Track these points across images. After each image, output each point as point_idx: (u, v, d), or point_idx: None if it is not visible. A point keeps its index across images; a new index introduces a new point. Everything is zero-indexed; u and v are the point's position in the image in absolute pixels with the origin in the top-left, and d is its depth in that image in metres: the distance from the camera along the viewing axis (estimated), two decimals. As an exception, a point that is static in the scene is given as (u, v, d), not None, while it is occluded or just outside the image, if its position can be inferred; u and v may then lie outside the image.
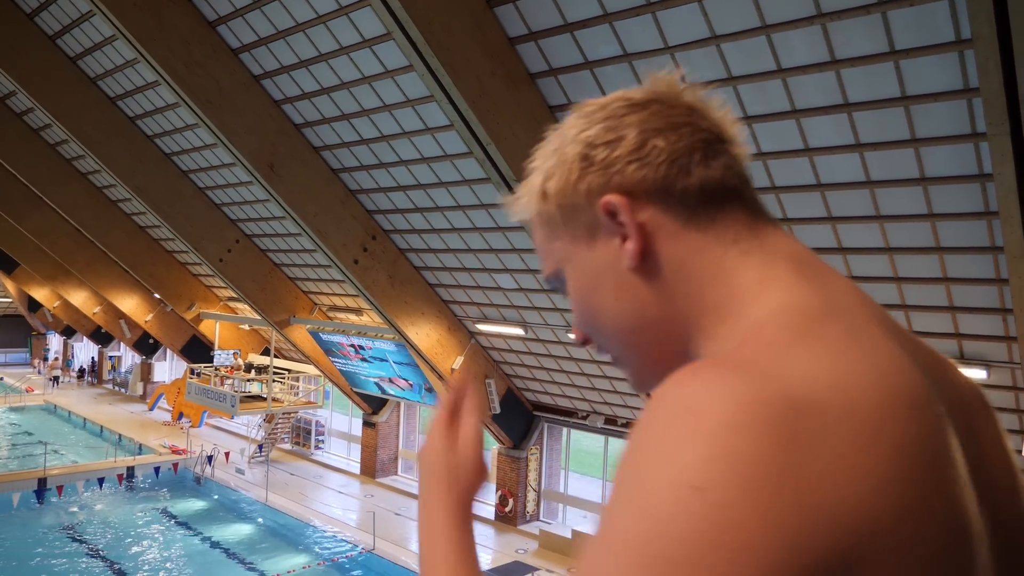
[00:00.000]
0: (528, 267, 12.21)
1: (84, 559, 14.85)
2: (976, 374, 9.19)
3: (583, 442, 18.98)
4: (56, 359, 39.94)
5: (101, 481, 18.47)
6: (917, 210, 7.89)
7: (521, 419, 16.71)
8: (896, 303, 9.12)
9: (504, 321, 13.85)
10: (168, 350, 28.71)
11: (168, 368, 31.77)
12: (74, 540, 15.93)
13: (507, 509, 16.62)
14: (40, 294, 34.05)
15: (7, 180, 21.33)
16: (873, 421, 0.58)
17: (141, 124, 15.61)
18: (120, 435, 23.82)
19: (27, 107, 17.90)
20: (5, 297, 39.30)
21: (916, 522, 0.57)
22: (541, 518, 16.99)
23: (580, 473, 18.25)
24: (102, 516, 17.59)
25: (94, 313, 30.17)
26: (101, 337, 33.90)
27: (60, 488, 17.87)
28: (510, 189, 8.87)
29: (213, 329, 23.90)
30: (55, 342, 42.61)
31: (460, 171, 11.16)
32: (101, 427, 25.59)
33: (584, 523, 16.00)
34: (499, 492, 16.94)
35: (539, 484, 17.00)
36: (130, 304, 25.80)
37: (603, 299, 0.79)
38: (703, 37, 7.41)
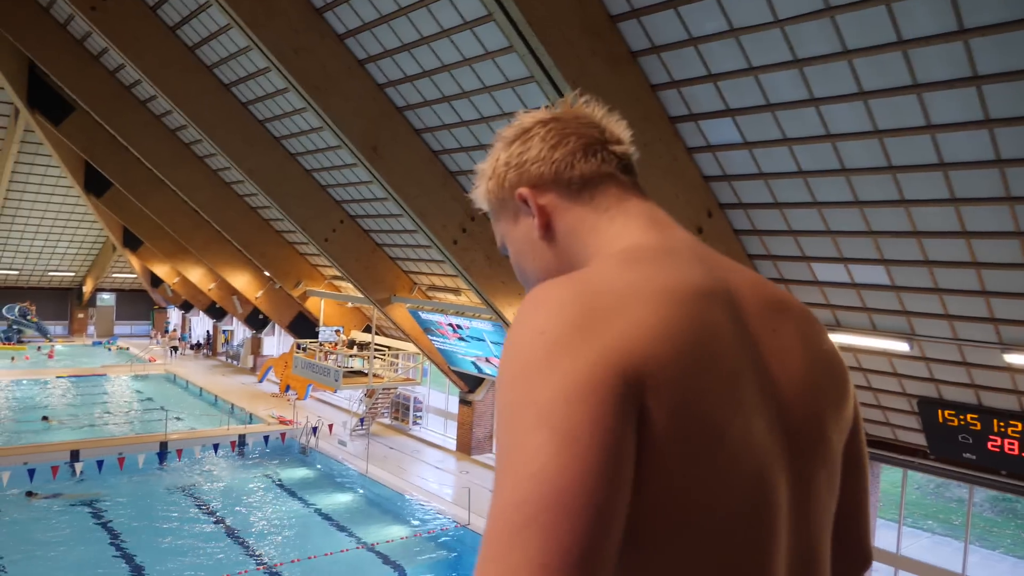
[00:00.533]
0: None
1: (199, 517, 15.77)
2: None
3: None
4: (174, 331, 42.47)
5: (216, 447, 19.54)
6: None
7: None
8: (1024, 292, 8.51)
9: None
10: (276, 325, 29.94)
11: (276, 342, 33.18)
12: (191, 499, 16.92)
13: None
14: (161, 270, 36.12)
15: (133, 163, 22.68)
16: (653, 298, 0.89)
17: (253, 109, 16.23)
18: (233, 405, 25.08)
19: (150, 95, 18.93)
20: (131, 273, 41.89)
21: (687, 361, 0.85)
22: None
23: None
24: (216, 479, 18.60)
25: (209, 289, 31.81)
26: (216, 312, 35.69)
27: (179, 451, 19.02)
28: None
29: (318, 306, 24.77)
30: (175, 316, 45.18)
31: (559, 152, 11.08)
32: (216, 396, 27.00)
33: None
34: None
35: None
36: (242, 281, 27.05)
37: (526, 260, 1.16)
38: (816, 9, 7.05)
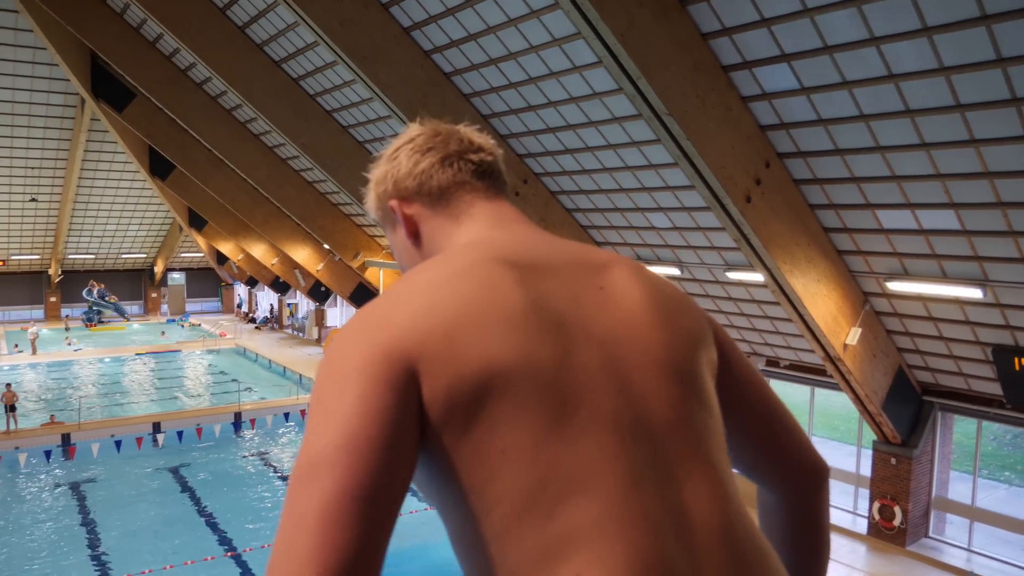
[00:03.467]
0: (683, 204, 11.85)
1: (276, 483, 16.35)
2: None
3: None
4: (250, 309, 44.15)
5: (287, 415, 20.15)
6: None
7: (908, 405, 13.29)
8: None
9: (658, 261, 13.58)
10: (338, 297, 30.51)
11: (339, 313, 33.83)
12: (267, 466, 17.55)
13: (894, 524, 12.53)
14: (226, 248, 37.09)
15: (193, 146, 23.25)
16: (426, 285, 0.99)
17: (304, 84, 16.40)
18: (301, 375, 25.75)
19: (205, 77, 19.29)
20: (198, 252, 43.16)
21: (455, 329, 0.93)
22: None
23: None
24: (289, 446, 19.21)
25: (272, 264, 32.55)
26: (279, 286, 36.54)
27: (253, 421, 19.70)
28: (663, 124, 8.58)
29: (377, 276, 25.13)
30: (241, 292, 46.46)
31: (610, 109, 10.92)
32: (284, 368, 27.76)
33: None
34: (877, 502, 12.69)
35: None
36: (303, 255, 27.59)
37: (403, 260, 1.27)
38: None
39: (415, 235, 1.22)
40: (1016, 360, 10.22)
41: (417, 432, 0.91)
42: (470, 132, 1.26)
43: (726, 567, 0.96)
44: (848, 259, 10.73)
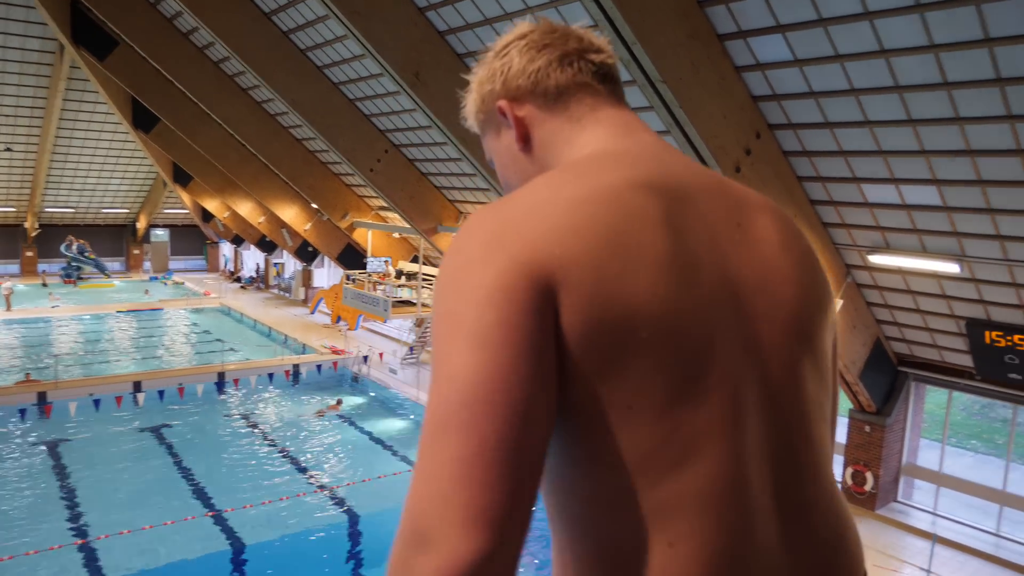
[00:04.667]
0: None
1: (259, 444, 16.45)
2: None
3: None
4: (235, 268, 43.91)
5: (271, 376, 20.22)
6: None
7: (884, 375, 13.80)
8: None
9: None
10: (326, 257, 30.40)
11: (326, 274, 33.74)
12: (251, 427, 17.63)
13: (866, 488, 13.00)
14: (211, 205, 36.72)
15: (179, 98, 22.91)
16: (568, 200, 0.90)
17: (295, 38, 16.23)
18: (286, 336, 25.78)
19: (193, 27, 19.00)
20: (183, 209, 42.73)
21: (601, 255, 0.86)
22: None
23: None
24: (272, 407, 19.29)
25: (259, 223, 32.33)
26: (266, 245, 36.30)
27: (236, 381, 19.74)
28: (656, 91, 8.64)
29: (366, 237, 25.09)
30: (227, 250, 46.15)
31: (603, 75, 10.92)
32: (269, 328, 27.70)
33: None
34: (850, 467, 13.27)
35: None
36: (290, 214, 27.44)
37: (510, 173, 1.17)
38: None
39: (525, 139, 1.12)
40: (987, 333, 10.51)
41: (556, 367, 0.85)
42: (588, 32, 1.16)
43: (814, 549, 0.97)
44: (833, 231, 10.91)
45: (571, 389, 0.86)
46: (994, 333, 10.46)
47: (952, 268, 9.97)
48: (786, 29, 8.38)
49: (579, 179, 0.95)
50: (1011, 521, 12.28)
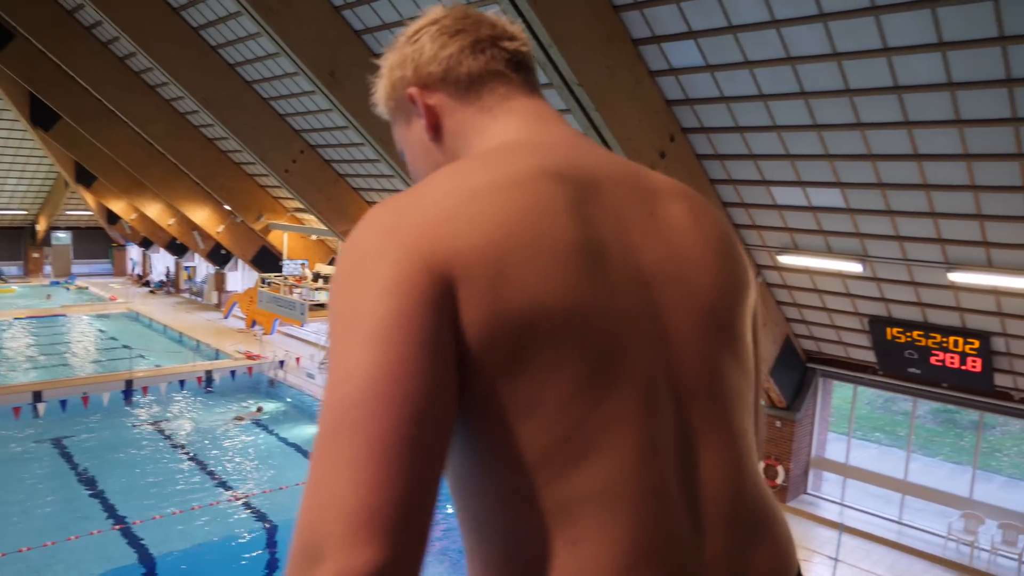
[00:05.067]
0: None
1: (169, 453, 15.88)
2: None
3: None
4: (144, 272, 42.20)
5: (182, 383, 19.53)
6: (1000, 113, 7.50)
7: (793, 371, 13.88)
8: (971, 212, 8.80)
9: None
10: (240, 260, 29.63)
11: (240, 278, 32.86)
12: (161, 435, 17.00)
13: (777, 481, 13.61)
14: (117, 207, 35.28)
15: (82, 95, 21.90)
16: (470, 190, 0.86)
17: (204, 34, 15.73)
18: (198, 341, 24.95)
19: (96, 20, 18.19)
20: (86, 210, 40.89)
21: (503, 245, 0.82)
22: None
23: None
24: (184, 415, 18.65)
25: (168, 225, 31.24)
26: (176, 248, 35.12)
27: (145, 389, 18.98)
28: (572, 94, 8.73)
29: (281, 240, 24.55)
30: (134, 253, 44.39)
31: (521, 78, 10.98)
32: (180, 333, 26.79)
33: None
34: (762, 462, 14.45)
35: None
36: (202, 216, 26.60)
37: (419, 163, 1.12)
38: (776, -72, 7.02)
39: (436, 128, 1.07)
40: (888, 330, 11.04)
41: (456, 363, 0.81)
42: (502, 18, 1.11)
43: (731, 542, 0.93)
44: (744, 233, 11.26)
45: (472, 385, 0.82)
46: (895, 330, 11.00)
47: (855, 268, 10.42)
48: (698, 35, 8.59)
49: (483, 169, 0.91)
50: (912, 509, 12.95)
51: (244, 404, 19.10)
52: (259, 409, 18.56)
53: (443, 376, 0.78)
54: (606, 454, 0.84)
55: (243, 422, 17.79)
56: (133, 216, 34.83)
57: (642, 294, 0.91)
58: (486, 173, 0.90)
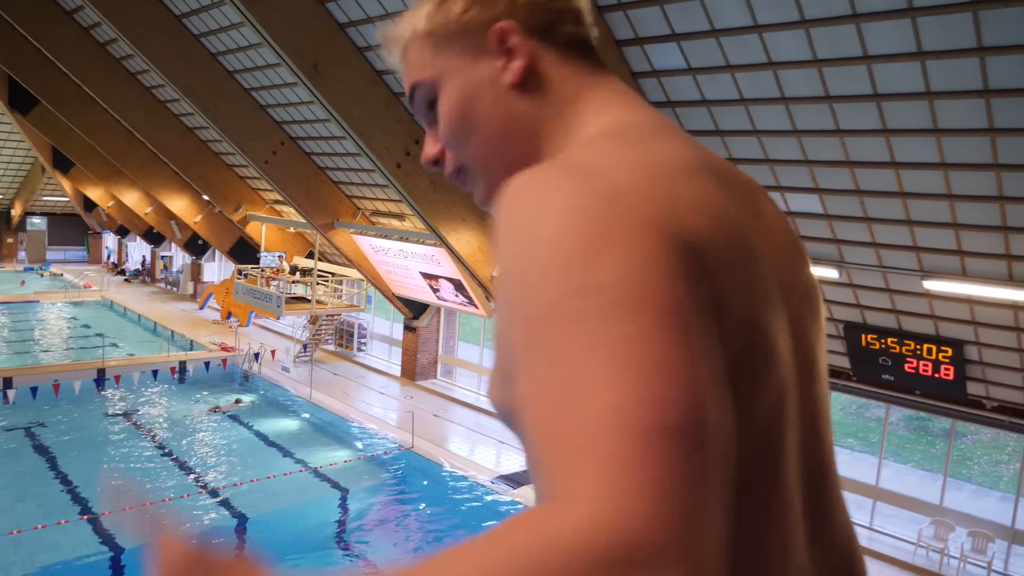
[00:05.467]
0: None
1: (141, 443, 15.70)
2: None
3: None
4: (119, 260, 41.69)
5: (155, 373, 19.30)
6: (977, 124, 7.58)
7: None
8: (947, 221, 8.89)
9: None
10: (217, 251, 29.37)
11: (217, 269, 32.59)
12: (132, 425, 16.81)
13: None
14: (95, 194, 34.85)
15: (61, 80, 21.58)
16: (679, 173, 0.74)
17: (187, 22, 15.56)
18: (172, 331, 24.71)
19: (77, 5, 17.94)
20: (63, 196, 40.35)
21: (724, 243, 0.71)
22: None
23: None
24: (157, 405, 18.46)
25: (146, 213, 30.90)
26: (153, 237, 34.78)
27: (118, 378, 18.75)
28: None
29: (259, 231, 24.34)
30: (110, 241, 43.89)
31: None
32: (155, 323, 26.53)
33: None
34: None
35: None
36: (180, 205, 26.32)
37: (480, 109, 0.91)
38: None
39: (527, 75, 0.90)
40: (863, 336, 11.13)
41: None
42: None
43: (834, 571, 0.87)
44: (722, 236, 11.30)
45: None
46: (869, 336, 11.09)
47: (832, 274, 10.49)
48: (681, 38, 8.61)
49: (652, 144, 0.79)
50: (883, 515, 13.05)
51: (219, 396, 18.93)
52: (237, 401, 18.43)
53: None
54: (758, 481, 0.74)
55: (220, 412, 17.66)
56: (110, 204, 34.42)
57: (784, 308, 0.80)
58: (659, 150, 0.77)
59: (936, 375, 10.69)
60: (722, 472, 0.56)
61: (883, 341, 10.96)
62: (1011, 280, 9.10)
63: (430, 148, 1.00)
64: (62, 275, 37.93)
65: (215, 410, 17.76)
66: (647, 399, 0.54)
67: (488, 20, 0.90)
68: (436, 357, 21.34)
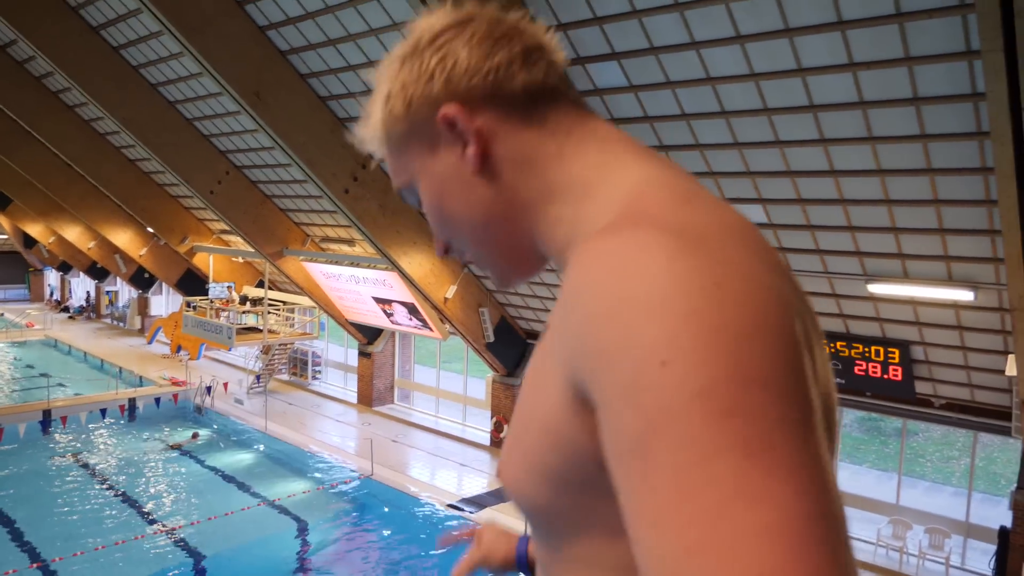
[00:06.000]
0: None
1: (91, 485, 15.21)
2: (964, 296, 9.29)
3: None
4: (63, 297, 40.42)
5: (104, 412, 18.75)
6: (910, 131, 7.82)
7: (514, 347, 16.90)
8: (886, 226, 9.14)
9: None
10: (164, 284, 28.76)
11: (165, 302, 31.90)
12: (81, 467, 16.28)
13: (501, 435, 16.87)
14: (34, 230, 33.91)
15: (-6, 114, 21.02)
16: (757, 241, 0.66)
17: (125, 54, 15.29)
18: (120, 368, 24.08)
19: (9, 39, 17.51)
20: (1, 234, 39.16)
21: (796, 292, 0.65)
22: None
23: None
24: (106, 446, 17.93)
25: (89, 248, 30.12)
26: (97, 272, 33.92)
27: (64, 419, 18.16)
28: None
29: (207, 262, 23.92)
30: (52, 278, 42.67)
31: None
32: (102, 360, 25.86)
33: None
34: (494, 419, 17.30)
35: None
36: (124, 238, 25.73)
37: (454, 203, 0.86)
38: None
39: (485, 158, 0.83)
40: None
41: None
42: (536, 25, 0.88)
43: None
44: (671, 249, 11.44)
45: None
46: (817, 341, 11.30)
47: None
48: (621, 56, 8.73)
49: (708, 206, 0.70)
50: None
51: (172, 433, 18.45)
52: (195, 435, 18.06)
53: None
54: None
55: (178, 448, 17.26)
56: (51, 239, 33.51)
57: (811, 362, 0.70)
58: (716, 213, 0.68)
59: (885, 376, 10.94)
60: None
61: (832, 345, 11.19)
62: (951, 280, 9.38)
63: (436, 242, 0.97)
64: (3, 314, 36.71)
65: (174, 447, 17.33)
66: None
67: (431, 109, 0.83)
68: (392, 382, 21.14)
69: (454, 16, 0.85)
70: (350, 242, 17.73)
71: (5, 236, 39.17)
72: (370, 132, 0.91)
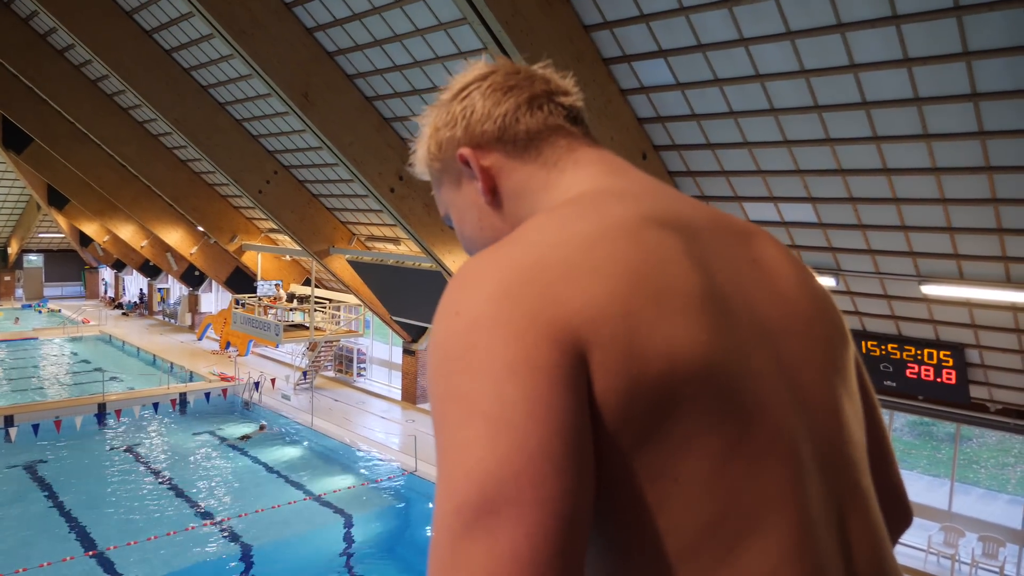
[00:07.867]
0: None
1: (143, 477, 15.61)
2: (1023, 298, 9.02)
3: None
4: (117, 294, 41.59)
5: (156, 406, 19.25)
6: (967, 127, 7.60)
7: None
8: (941, 225, 8.89)
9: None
10: (213, 282, 29.36)
11: (214, 299, 32.56)
12: (135, 460, 16.72)
13: None
14: (90, 229, 34.89)
15: (52, 117, 21.70)
16: (583, 242, 0.78)
17: (177, 57, 15.64)
18: (172, 363, 24.64)
19: (68, 43, 18.05)
20: (59, 233, 40.39)
21: (630, 304, 0.74)
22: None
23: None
24: (158, 438, 18.37)
25: (141, 247, 30.91)
26: (150, 270, 34.76)
27: (119, 412, 18.67)
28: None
29: (255, 260, 24.35)
30: (107, 275, 43.86)
31: (494, 96, 11.01)
32: (154, 356, 26.48)
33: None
34: None
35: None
36: (175, 237, 26.34)
37: (473, 228, 1.04)
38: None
39: (493, 191, 1.00)
40: (864, 343, 11.09)
41: (592, 446, 0.71)
42: (553, 73, 1.06)
43: None
44: (717, 249, 11.30)
45: (607, 465, 0.72)
46: (870, 343, 11.06)
47: (829, 282, 10.47)
48: (668, 54, 8.65)
49: (584, 217, 0.83)
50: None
51: (226, 424, 18.82)
52: (262, 427, 18.45)
53: (584, 470, 0.68)
54: (766, 531, 0.75)
55: (247, 439, 17.83)
56: (106, 238, 34.45)
57: (770, 350, 0.84)
58: (590, 220, 0.82)
59: (938, 380, 10.65)
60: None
61: (883, 348, 10.93)
62: (1009, 282, 9.08)
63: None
64: (60, 311, 37.86)
65: (244, 438, 17.84)
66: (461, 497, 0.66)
67: (455, 149, 1.01)
68: (437, 380, 21.22)
69: (482, 69, 1.04)
70: (395, 241, 17.88)
71: (62, 235, 40.38)
72: (419, 167, 1.09)
